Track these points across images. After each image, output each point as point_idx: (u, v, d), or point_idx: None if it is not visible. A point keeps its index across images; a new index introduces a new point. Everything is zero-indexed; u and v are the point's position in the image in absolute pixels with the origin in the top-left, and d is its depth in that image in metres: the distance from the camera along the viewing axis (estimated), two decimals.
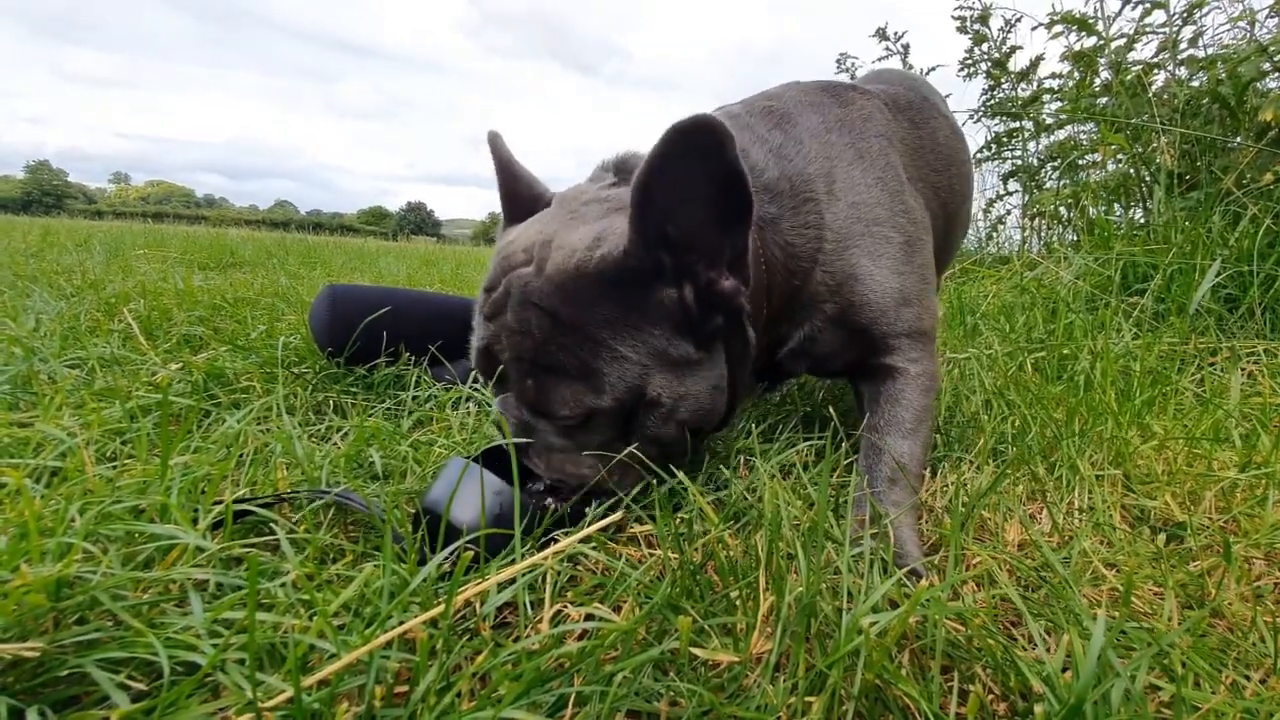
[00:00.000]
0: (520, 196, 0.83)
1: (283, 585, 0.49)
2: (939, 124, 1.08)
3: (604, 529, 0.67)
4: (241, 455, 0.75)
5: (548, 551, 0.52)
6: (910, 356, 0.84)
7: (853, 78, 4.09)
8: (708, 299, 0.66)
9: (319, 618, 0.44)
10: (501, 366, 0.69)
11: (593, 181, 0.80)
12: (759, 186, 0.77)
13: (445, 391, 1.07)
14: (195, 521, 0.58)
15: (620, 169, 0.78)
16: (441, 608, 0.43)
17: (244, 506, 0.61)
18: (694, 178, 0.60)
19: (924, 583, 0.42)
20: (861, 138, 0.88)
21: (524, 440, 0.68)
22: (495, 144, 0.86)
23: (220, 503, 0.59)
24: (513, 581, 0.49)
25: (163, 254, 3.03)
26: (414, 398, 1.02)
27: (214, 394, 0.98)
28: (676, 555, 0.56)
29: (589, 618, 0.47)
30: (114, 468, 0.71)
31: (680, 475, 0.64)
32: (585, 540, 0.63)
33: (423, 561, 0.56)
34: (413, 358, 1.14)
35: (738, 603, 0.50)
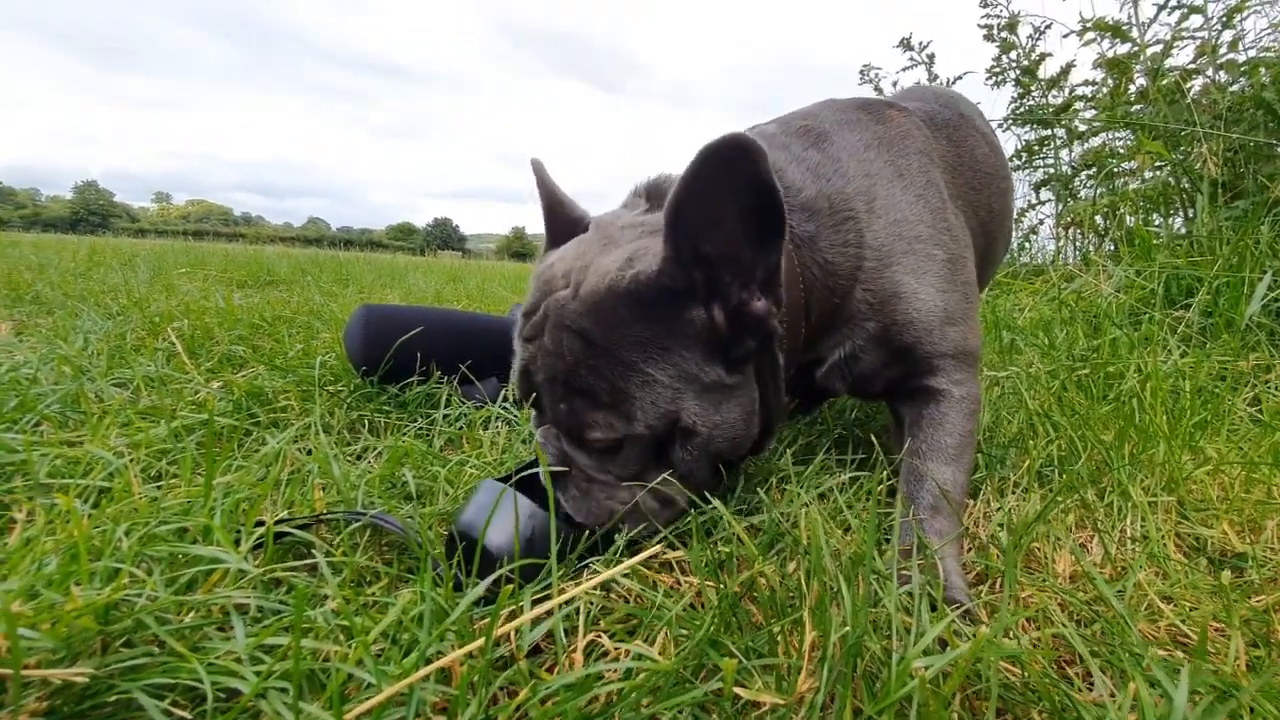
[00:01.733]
0: (561, 220, 0.84)
1: (321, 611, 0.50)
2: (977, 141, 1.06)
3: (636, 554, 0.67)
4: (280, 475, 0.76)
5: (583, 586, 0.51)
6: (954, 378, 0.82)
7: (878, 90, 4.07)
8: (739, 320, 0.66)
9: (358, 646, 0.44)
10: (536, 386, 0.69)
11: (627, 208, 0.80)
12: (796, 205, 0.76)
13: (476, 410, 1.07)
14: (237, 542, 0.59)
15: (653, 194, 0.78)
16: (481, 641, 0.42)
17: (283, 528, 0.61)
18: (726, 195, 0.59)
19: (983, 629, 0.40)
20: (901, 155, 0.87)
21: (559, 470, 0.68)
22: (539, 170, 0.86)
23: (261, 523, 0.60)
24: (550, 613, 0.48)
25: (204, 272, 3.13)
26: (445, 416, 1.03)
27: (254, 413, 1.00)
28: (714, 585, 0.55)
29: (628, 654, 0.46)
30: (159, 487, 0.73)
31: (715, 502, 0.63)
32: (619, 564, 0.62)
33: (457, 585, 0.56)
34: (444, 376, 1.15)
35: (779, 638, 0.49)
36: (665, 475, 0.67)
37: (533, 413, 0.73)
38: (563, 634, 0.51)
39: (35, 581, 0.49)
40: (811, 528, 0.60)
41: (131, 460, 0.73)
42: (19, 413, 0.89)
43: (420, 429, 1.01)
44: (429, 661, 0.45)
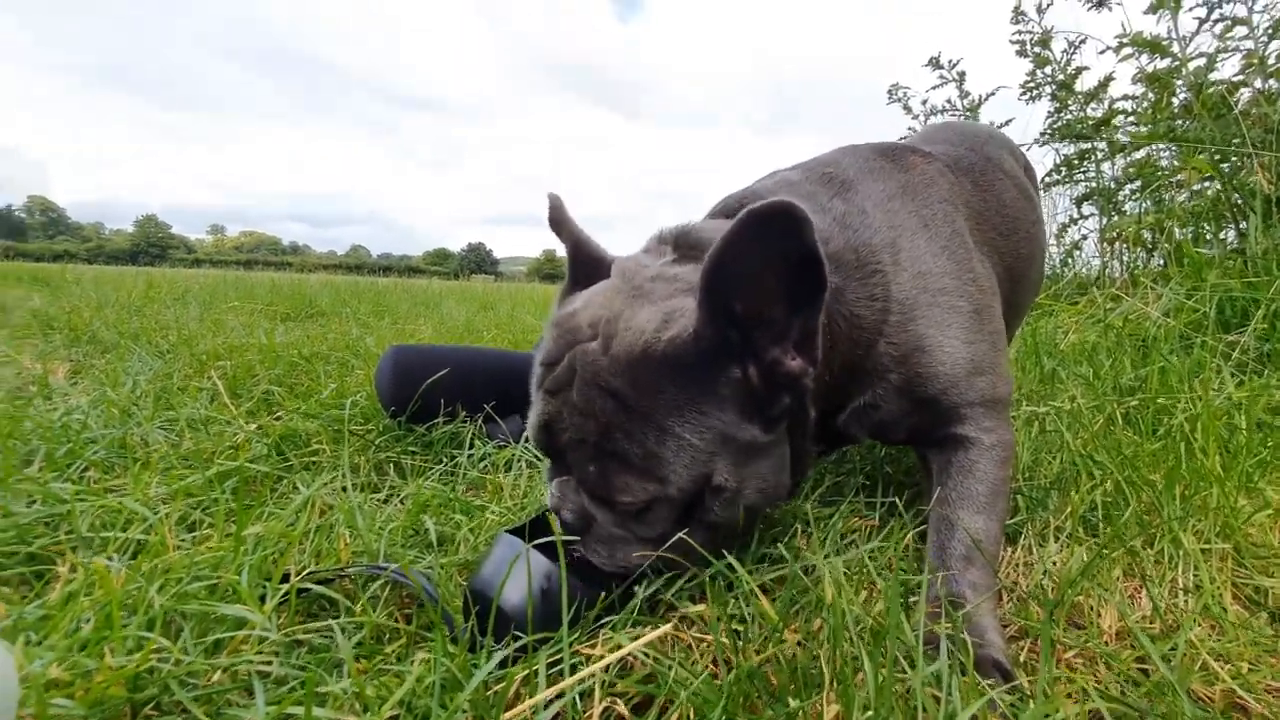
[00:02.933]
0: (584, 260, 0.82)
1: (337, 680, 0.50)
2: (1004, 185, 1.03)
3: (654, 608, 0.66)
4: (309, 524, 0.78)
5: (596, 665, 0.50)
6: (984, 426, 0.79)
7: (907, 109, 4.01)
8: (773, 378, 0.64)
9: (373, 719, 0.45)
10: (561, 443, 0.67)
11: (648, 253, 0.79)
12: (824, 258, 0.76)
13: (499, 450, 1.08)
14: (264, 598, 0.60)
15: (680, 243, 0.76)
16: None
17: (306, 584, 0.63)
18: (768, 259, 0.59)
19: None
20: (925, 204, 0.86)
21: (575, 531, 0.67)
22: (557, 207, 0.83)
23: (287, 580, 0.62)
24: (563, 694, 0.47)
25: (251, 306, 3.28)
26: (470, 457, 1.04)
27: (287, 456, 1.03)
28: (730, 651, 0.53)
29: None
30: (194, 536, 0.76)
31: (733, 562, 0.61)
32: (639, 618, 0.61)
33: (473, 646, 0.55)
34: (469, 415, 1.17)
35: (799, 712, 0.47)
36: (685, 534, 0.65)
37: (548, 464, 0.73)
38: (578, 699, 0.51)
39: (72, 644, 0.51)
40: (834, 588, 0.58)
41: (168, 512, 0.76)
42: (69, 458, 0.94)
43: (445, 470, 1.03)
44: None
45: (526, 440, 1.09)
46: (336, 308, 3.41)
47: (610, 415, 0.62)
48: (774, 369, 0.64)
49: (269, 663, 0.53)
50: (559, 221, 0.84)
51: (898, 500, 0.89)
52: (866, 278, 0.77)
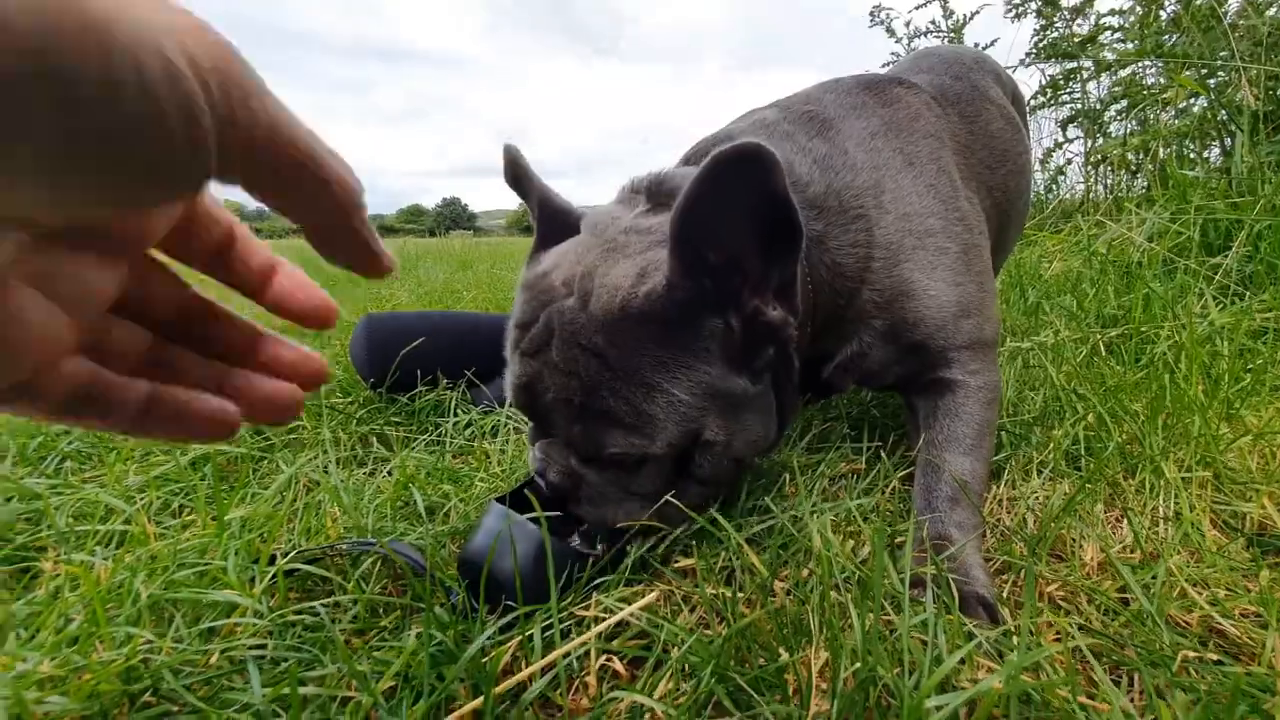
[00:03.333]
0: (552, 216, 0.78)
1: (333, 658, 0.50)
2: (991, 115, 0.99)
3: (645, 564, 0.66)
4: (296, 503, 0.77)
5: (590, 634, 0.50)
6: (970, 368, 0.79)
7: (890, 32, 3.85)
8: (754, 329, 0.63)
9: (367, 696, 0.45)
10: (544, 404, 0.66)
11: (621, 204, 0.75)
12: (804, 202, 0.72)
13: (484, 416, 1.07)
14: (253, 580, 0.60)
15: (653, 191, 0.73)
16: (479, 700, 0.42)
17: (295, 565, 0.62)
18: (738, 207, 0.56)
19: (996, 684, 0.38)
20: (910, 141, 0.82)
21: (558, 496, 0.67)
22: (515, 159, 0.78)
23: (274, 561, 0.61)
24: (562, 654, 0.48)
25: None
26: (454, 424, 1.03)
27: (266, 435, 1.01)
28: (720, 605, 0.54)
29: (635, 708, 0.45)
30: (179, 523, 0.75)
31: (718, 518, 0.62)
32: (630, 575, 0.62)
33: (468, 616, 0.56)
34: (451, 382, 1.15)
35: (791, 661, 0.48)
36: (673, 494, 0.65)
37: (530, 426, 0.71)
38: (575, 661, 0.51)
39: (61, 640, 0.51)
40: (820, 537, 0.59)
41: (148, 500, 0.75)
42: (43, 451, 0.92)
43: (430, 440, 1.02)
44: (438, 709, 0.45)
45: (511, 407, 1.08)
46: (309, 274, 3.31)
47: (594, 374, 0.61)
48: (755, 319, 0.63)
49: (263, 645, 0.53)
50: (519, 178, 0.79)
51: (883, 447, 0.89)
52: (849, 224, 0.75)
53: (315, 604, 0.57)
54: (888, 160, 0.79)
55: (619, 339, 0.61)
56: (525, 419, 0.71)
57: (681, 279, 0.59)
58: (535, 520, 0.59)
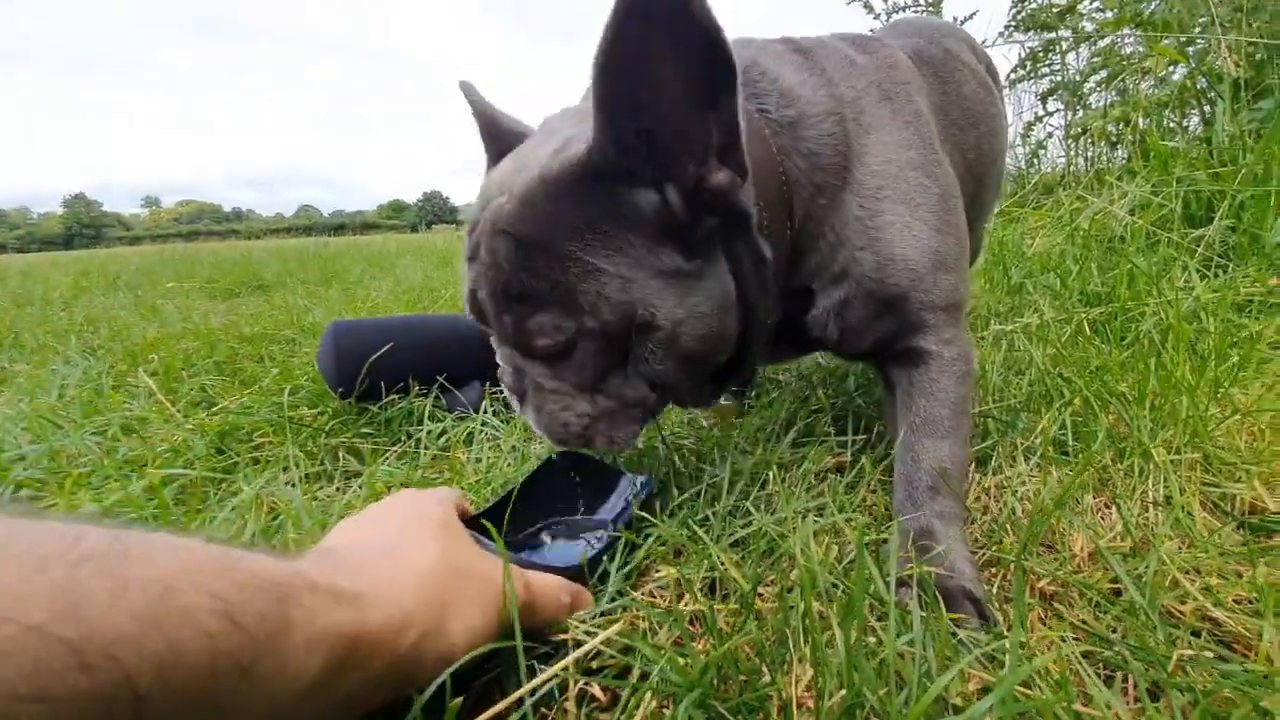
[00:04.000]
0: (501, 135, 0.75)
1: None
2: (964, 77, 0.96)
3: (627, 572, 0.63)
4: (257, 526, 0.74)
5: (559, 665, 0.47)
6: (944, 336, 0.75)
7: (868, 6, 3.80)
8: (698, 198, 0.57)
9: None
10: (481, 305, 0.63)
11: (582, 102, 0.71)
12: (772, 90, 0.68)
13: (459, 422, 1.04)
14: None
15: None
16: None
17: None
18: (660, 47, 0.49)
19: (985, 705, 0.35)
20: (889, 80, 0.78)
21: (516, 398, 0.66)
22: (469, 92, 0.79)
23: None
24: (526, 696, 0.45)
25: (189, 284, 3.09)
26: (428, 433, 1.00)
27: (230, 452, 0.97)
28: (702, 628, 0.52)
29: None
30: None
31: (697, 531, 0.59)
32: (610, 589, 0.59)
33: None
34: (423, 389, 1.11)
35: (775, 678, 0.45)
36: (633, 380, 0.62)
37: (494, 340, 0.69)
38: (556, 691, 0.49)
39: None
40: (801, 546, 0.57)
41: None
42: None
43: (403, 451, 0.98)
44: None
45: (486, 410, 1.04)
46: (282, 278, 3.24)
47: (513, 258, 0.57)
48: (699, 187, 0.56)
49: None
50: (474, 105, 0.78)
51: (868, 438, 0.87)
52: (823, 116, 0.69)
53: None
54: (866, 90, 0.75)
55: (534, 212, 0.57)
56: (482, 326, 0.67)
57: (606, 144, 0.53)
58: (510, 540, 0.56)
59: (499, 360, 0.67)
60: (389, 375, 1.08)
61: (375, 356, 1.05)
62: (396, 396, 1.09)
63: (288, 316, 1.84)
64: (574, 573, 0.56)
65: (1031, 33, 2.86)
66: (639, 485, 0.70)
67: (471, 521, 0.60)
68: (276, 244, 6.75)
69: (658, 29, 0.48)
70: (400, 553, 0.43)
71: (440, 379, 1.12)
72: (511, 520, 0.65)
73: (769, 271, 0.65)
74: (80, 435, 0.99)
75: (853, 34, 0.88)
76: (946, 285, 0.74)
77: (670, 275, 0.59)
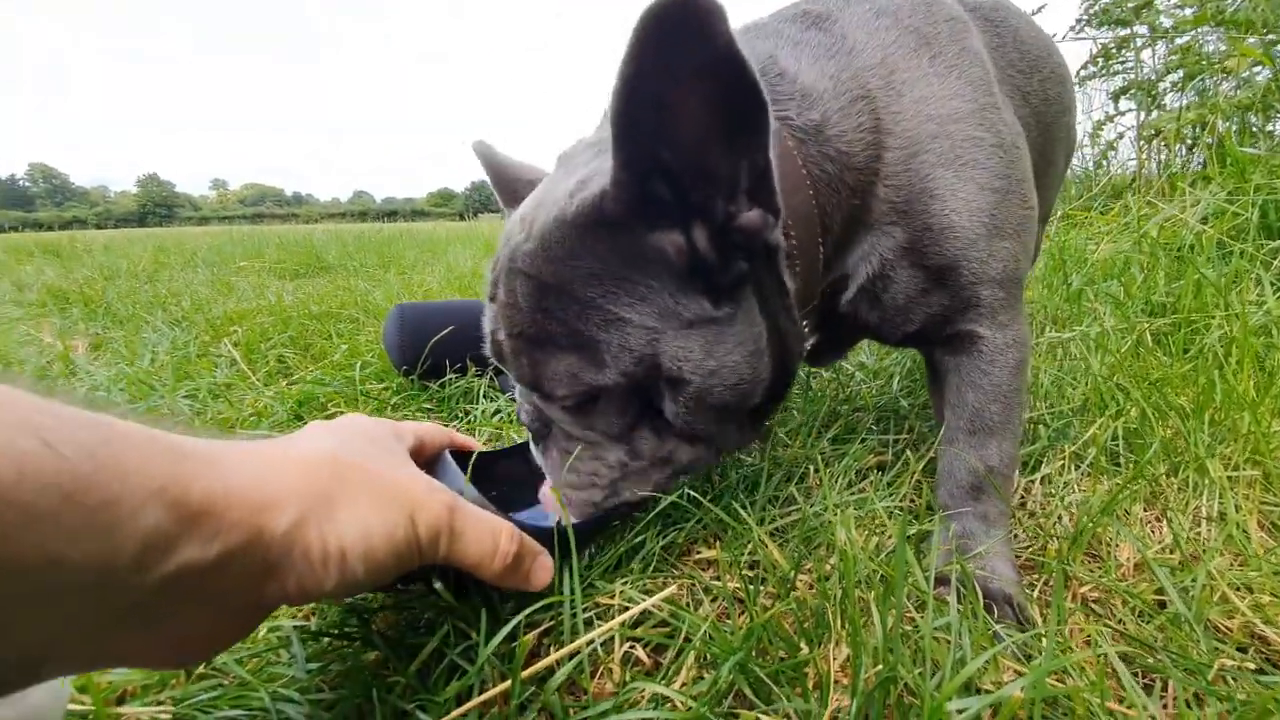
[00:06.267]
0: (517, 186, 0.75)
1: (371, 635, 0.52)
2: (1018, 21, 0.86)
3: (669, 550, 0.67)
4: None
5: (612, 624, 0.51)
6: (999, 320, 0.67)
7: None
8: (727, 240, 0.53)
9: (404, 678, 0.47)
10: (500, 346, 0.60)
11: (597, 131, 0.67)
12: (793, 93, 0.63)
13: (512, 402, 1.09)
14: None
15: None
16: (508, 683, 0.44)
17: None
18: (684, 78, 0.45)
19: (1018, 694, 0.37)
20: (927, 21, 0.69)
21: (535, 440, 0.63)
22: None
23: None
24: (578, 652, 0.49)
25: (259, 264, 3.28)
26: (482, 411, 1.05)
27: (305, 419, 1.05)
28: (742, 600, 0.55)
29: (657, 699, 0.46)
30: None
31: (743, 513, 0.61)
32: (656, 570, 0.63)
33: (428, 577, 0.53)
34: (480, 370, 1.18)
35: (812, 655, 0.48)
36: (663, 434, 0.60)
37: (512, 376, 0.67)
38: (600, 648, 0.53)
39: None
40: (844, 532, 0.59)
41: None
42: None
43: (460, 427, 1.04)
44: (470, 690, 0.47)
45: None
46: (343, 261, 3.40)
47: (531, 299, 0.55)
48: (728, 226, 0.52)
49: (306, 622, 0.56)
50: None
51: (910, 438, 0.88)
52: (848, 106, 0.63)
53: None
54: (898, 39, 0.67)
55: (552, 254, 0.54)
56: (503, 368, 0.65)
57: (624, 183, 0.50)
58: (492, 493, 0.55)
59: (516, 396, 0.64)
60: (448, 355, 1.15)
61: (437, 337, 1.12)
62: (455, 376, 1.15)
63: (351, 297, 1.94)
64: (540, 535, 0.53)
65: (1105, 28, 2.73)
66: None
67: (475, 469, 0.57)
68: (335, 228, 7.04)
69: (679, 60, 0.44)
70: (289, 444, 0.41)
71: (494, 360, 1.17)
72: (511, 477, 0.66)
73: (791, 302, 0.62)
74: (174, 397, 1.10)
75: None
76: (1003, 254, 0.65)
77: (698, 324, 0.55)
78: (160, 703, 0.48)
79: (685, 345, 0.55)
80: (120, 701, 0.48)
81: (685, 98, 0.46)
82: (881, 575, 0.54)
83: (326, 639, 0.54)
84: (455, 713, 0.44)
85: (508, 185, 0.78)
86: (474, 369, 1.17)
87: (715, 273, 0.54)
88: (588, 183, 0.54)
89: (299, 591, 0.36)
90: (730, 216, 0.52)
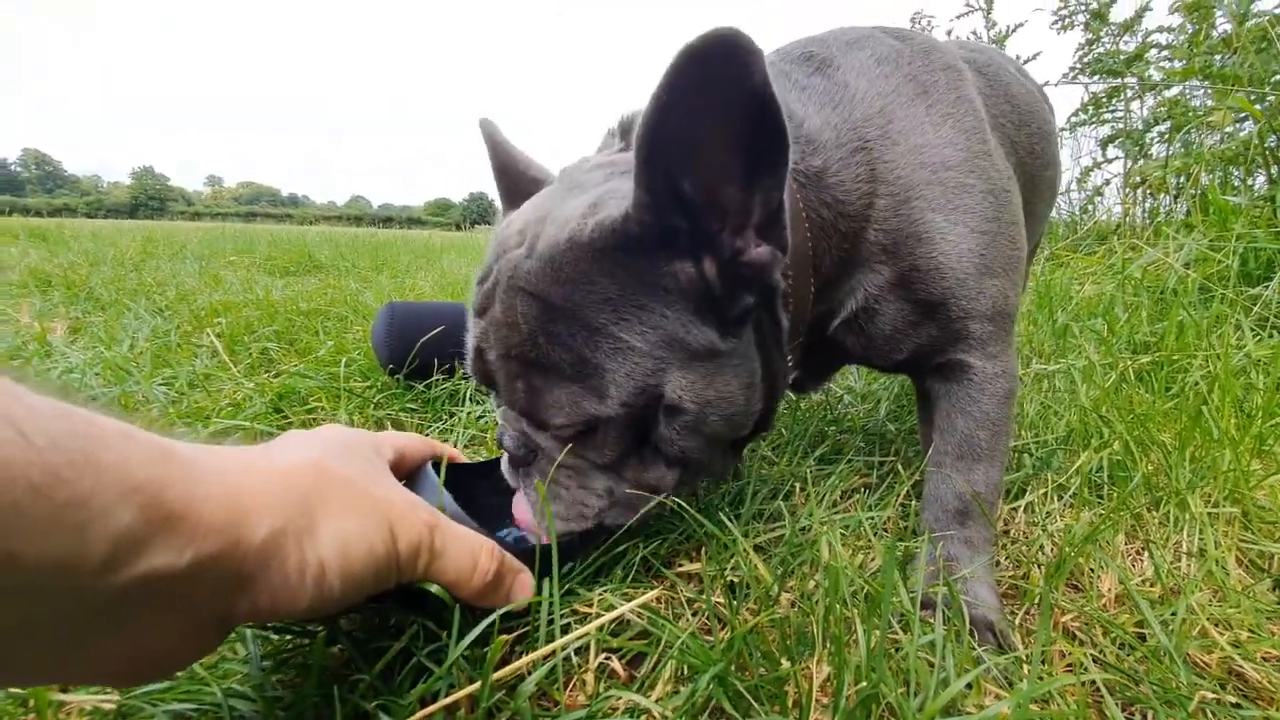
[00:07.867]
0: (516, 177, 0.74)
1: (336, 633, 0.50)
2: (1010, 78, 0.90)
3: (648, 564, 0.66)
4: None
5: (587, 629, 0.50)
6: (989, 350, 0.69)
7: None
8: (735, 273, 0.54)
9: (367, 678, 0.45)
10: (492, 365, 0.58)
11: (602, 150, 0.69)
12: (798, 138, 0.64)
13: (498, 406, 1.08)
14: None
15: (628, 130, 0.66)
16: (476, 685, 0.42)
17: None
18: (713, 114, 0.46)
19: (1005, 711, 0.36)
20: (925, 69, 0.71)
21: (518, 466, 0.61)
22: (489, 131, 0.78)
23: None
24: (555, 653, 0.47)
25: (249, 260, 3.24)
26: (467, 413, 1.04)
27: (285, 414, 1.03)
28: (724, 612, 0.54)
29: (632, 709, 0.45)
30: None
31: (730, 525, 0.61)
32: (635, 582, 0.62)
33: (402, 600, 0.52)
34: (466, 372, 1.16)
35: (792, 673, 0.47)
36: (653, 461, 0.59)
37: (493, 396, 0.65)
38: (575, 657, 0.51)
39: None
40: (829, 549, 0.58)
41: None
42: None
43: (443, 428, 1.02)
44: (435, 697, 0.45)
45: None
46: (335, 261, 3.37)
47: (533, 321, 0.53)
48: (736, 260, 0.53)
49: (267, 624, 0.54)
50: (491, 145, 0.77)
51: (897, 461, 0.88)
52: (848, 156, 0.65)
53: None
54: (896, 88, 0.69)
55: (561, 275, 0.52)
56: (483, 386, 0.63)
57: (646, 210, 0.50)
58: (473, 508, 0.53)
59: (498, 419, 0.61)
60: (436, 356, 1.13)
61: (426, 338, 1.11)
62: (442, 377, 1.14)
63: (341, 296, 1.92)
64: (520, 552, 0.53)
65: (1096, 77, 2.83)
66: None
67: (456, 482, 0.56)
68: (329, 230, 7.02)
69: (715, 96, 0.45)
70: (270, 452, 0.40)
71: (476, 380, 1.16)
72: (495, 490, 0.63)
73: (785, 337, 0.63)
74: (150, 384, 1.07)
75: (892, 26, 0.81)
76: (993, 291, 0.68)
77: (703, 356, 0.55)
78: (106, 691, 0.45)
79: (689, 376, 0.55)
80: (64, 689, 0.46)
81: (714, 133, 0.48)
82: (866, 593, 0.53)
83: (287, 635, 0.52)
84: (419, 714, 0.42)
85: (509, 177, 0.76)
86: (461, 370, 1.16)
87: (724, 306, 0.55)
88: (601, 205, 0.54)
89: (270, 607, 0.35)
90: (740, 251, 0.53)
